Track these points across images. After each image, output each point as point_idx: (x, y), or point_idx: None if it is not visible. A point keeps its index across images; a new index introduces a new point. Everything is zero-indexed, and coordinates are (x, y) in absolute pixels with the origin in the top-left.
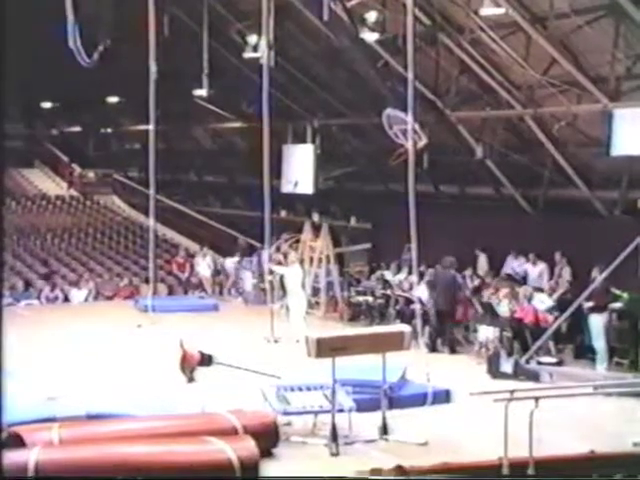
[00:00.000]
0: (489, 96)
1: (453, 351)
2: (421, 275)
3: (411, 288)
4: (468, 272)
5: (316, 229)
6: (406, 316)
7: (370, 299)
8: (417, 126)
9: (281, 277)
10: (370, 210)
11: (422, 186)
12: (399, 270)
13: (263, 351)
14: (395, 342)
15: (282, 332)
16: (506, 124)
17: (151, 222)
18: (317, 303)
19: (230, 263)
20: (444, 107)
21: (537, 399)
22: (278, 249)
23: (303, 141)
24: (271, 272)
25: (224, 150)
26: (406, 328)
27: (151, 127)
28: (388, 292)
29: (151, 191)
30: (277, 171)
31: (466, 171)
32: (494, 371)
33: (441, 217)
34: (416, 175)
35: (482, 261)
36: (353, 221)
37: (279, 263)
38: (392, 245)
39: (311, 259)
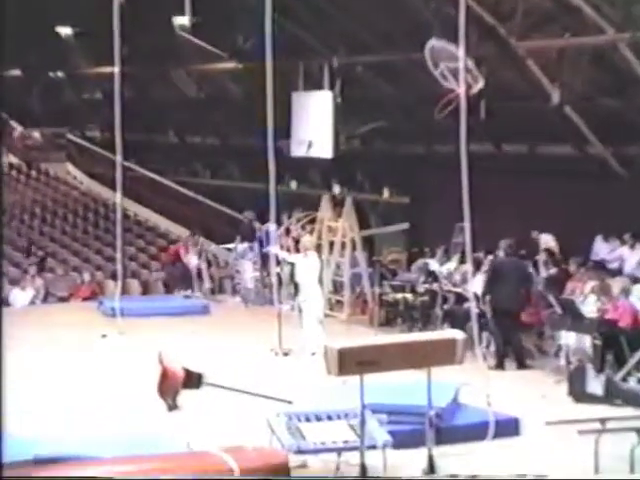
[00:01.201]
0: (569, 17)
1: (522, 365)
2: (477, 264)
3: (465, 281)
4: (541, 257)
5: (337, 205)
6: (458, 318)
7: (409, 296)
8: (471, 63)
9: (292, 269)
10: (408, 179)
11: (478, 145)
12: (448, 258)
13: (269, 367)
14: (444, 354)
15: (294, 342)
16: (593, 56)
17: (118, 198)
18: (339, 302)
19: (223, 251)
20: (508, 35)
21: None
22: (287, 232)
23: (319, 87)
24: (279, 262)
25: (214, 100)
26: (458, 335)
27: (116, 69)
28: (434, 287)
29: (118, 157)
30: (285, 128)
31: (538, 123)
32: (578, 392)
33: (504, 186)
34: (470, 130)
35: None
36: (386, 194)
37: (289, 250)
38: (438, 225)
39: (331, 244)
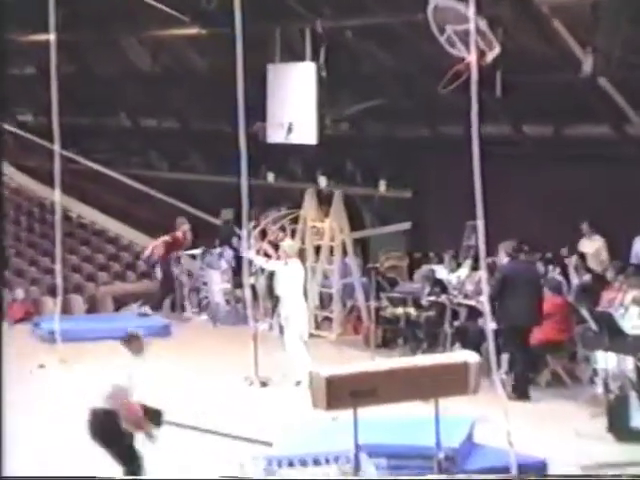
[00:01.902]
0: None
1: (523, 395)
2: (492, 270)
3: (478, 292)
4: (571, 261)
5: (324, 201)
6: (471, 338)
7: (412, 311)
8: (484, 25)
9: (270, 279)
10: (409, 169)
11: (493, 127)
12: (458, 263)
13: (243, 401)
14: (455, 381)
15: (273, 368)
16: (635, 13)
17: (57, 196)
18: (327, 320)
19: (187, 259)
20: None
21: None
22: (264, 234)
23: (300, 57)
24: (253, 272)
25: (173, 75)
26: (472, 357)
27: (52, 37)
28: (441, 299)
29: (56, 146)
30: (259, 109)
31: (566, 99)
32: (620, 428)
33: (524, 176)
34: (483, 108)
35: (591, 244)
36: (382, 187)
37: (266, 256)
38: (445, 224)
39: (317, 249)
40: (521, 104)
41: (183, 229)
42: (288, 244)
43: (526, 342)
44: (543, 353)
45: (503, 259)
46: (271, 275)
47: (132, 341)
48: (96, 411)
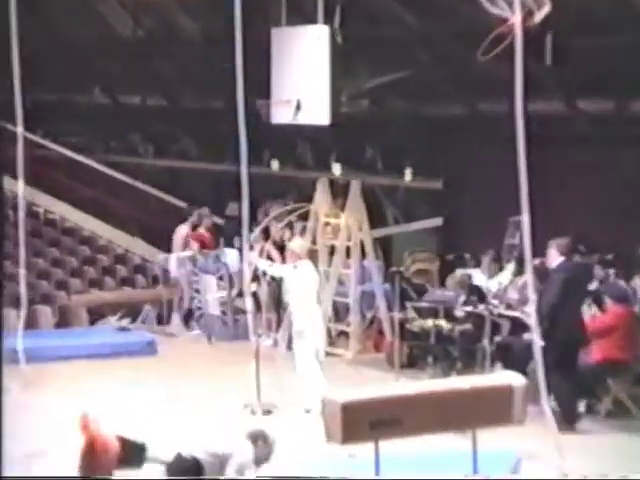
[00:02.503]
0: None
1: (569, 423)
2: (540, 274)
3: (524, 301)
4: None
5: (338, 193)
6: (516, 356)
7: (444, 324)
8: None
9: (276, 286)
10: (440, 154)
11: (542, 103)
12: (500, 267)
13: (243, 433)
14: (496, 409)
15: (278, 393)
16: None
17: (20, 188)
18: (343, 334)
19: (176, 262)
20: None
21: None
22: (266, 233)
23: (310, 20)
24: (256, 277)
25: (158, 42)
26: (517, 380)
27: None
28: (480, 309)
29: (19, 128)
30: (262, 83)
31: (631, 67)
32: None
33: (580, 161)
34: (530, 80)
35: None
36: (408, 176)
37: (269, 259)
38: (483, 219)
39: (331, 250)
40: (576, 74)
41: (207, 224)
42: (297, 243)
43: (577, 360)
44: (603, 376)
45: (554, 260)
46: (278, 281)
47: None
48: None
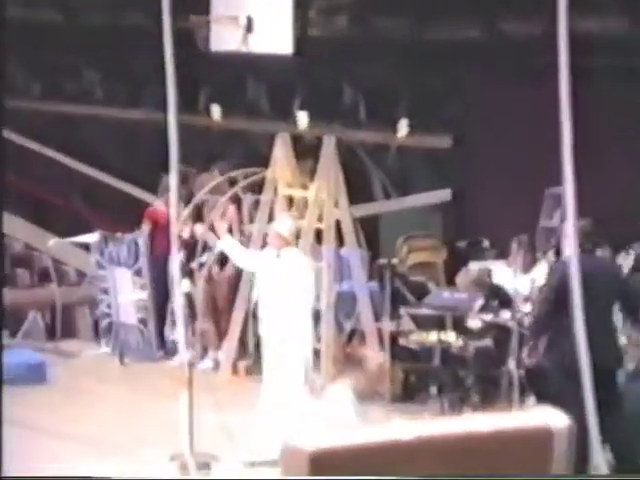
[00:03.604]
0: None
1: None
2: None
3: None
4: None
5: (305, 153)
6: (557, 384)
7: (453, 338)
8: None
9: (216, 281)
10: (447, 97)
11: (594, 21)
12: (533, 259)
13: None
14: (529, 458)
15: (220, 438)
16: None
17: None
18: (313, 353)
19: (74, 250)
20: None
21: None
22: (198, 211)
23: None
24: (190, 271)
25: None
26: (558, 419)
27: None
28: (504, 318)
29: None
30: None
31: None
32: None
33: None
34: None
35: None
36: (403, 130)
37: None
38: (508, 192)
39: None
40: None
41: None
42: (285, 224)
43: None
44: None
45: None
46: (250, 276)
47: None
48: None
